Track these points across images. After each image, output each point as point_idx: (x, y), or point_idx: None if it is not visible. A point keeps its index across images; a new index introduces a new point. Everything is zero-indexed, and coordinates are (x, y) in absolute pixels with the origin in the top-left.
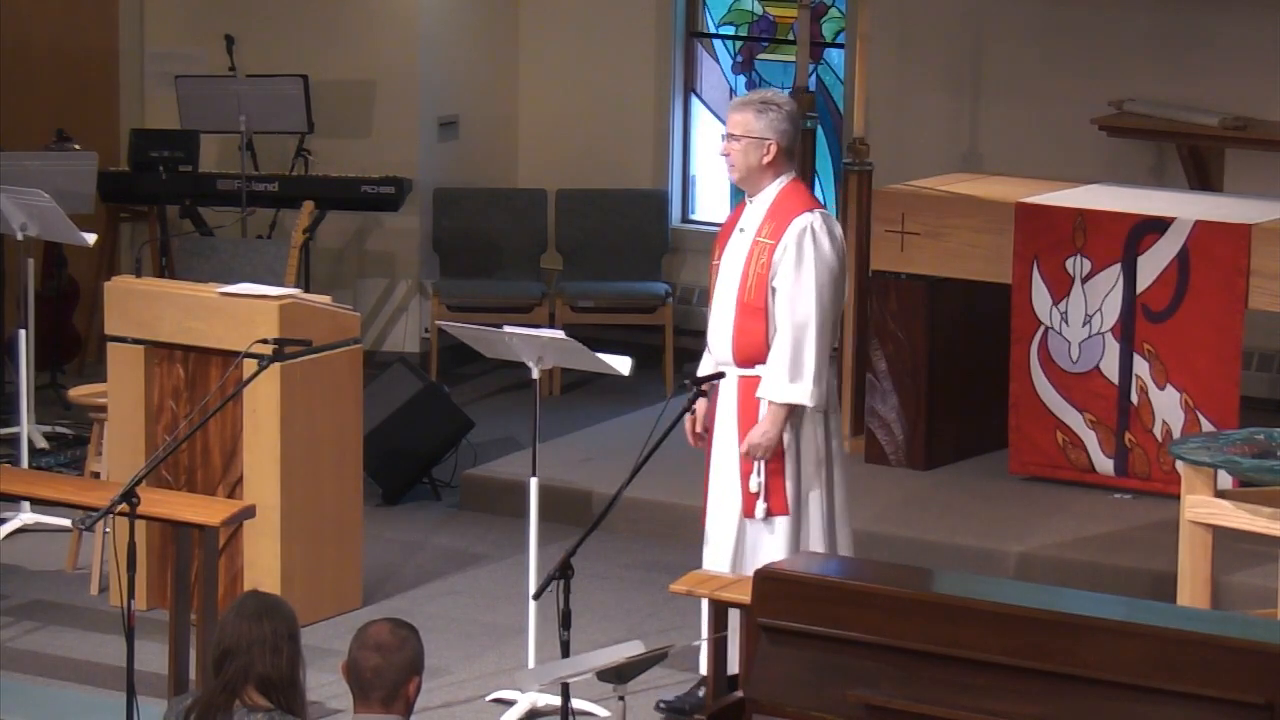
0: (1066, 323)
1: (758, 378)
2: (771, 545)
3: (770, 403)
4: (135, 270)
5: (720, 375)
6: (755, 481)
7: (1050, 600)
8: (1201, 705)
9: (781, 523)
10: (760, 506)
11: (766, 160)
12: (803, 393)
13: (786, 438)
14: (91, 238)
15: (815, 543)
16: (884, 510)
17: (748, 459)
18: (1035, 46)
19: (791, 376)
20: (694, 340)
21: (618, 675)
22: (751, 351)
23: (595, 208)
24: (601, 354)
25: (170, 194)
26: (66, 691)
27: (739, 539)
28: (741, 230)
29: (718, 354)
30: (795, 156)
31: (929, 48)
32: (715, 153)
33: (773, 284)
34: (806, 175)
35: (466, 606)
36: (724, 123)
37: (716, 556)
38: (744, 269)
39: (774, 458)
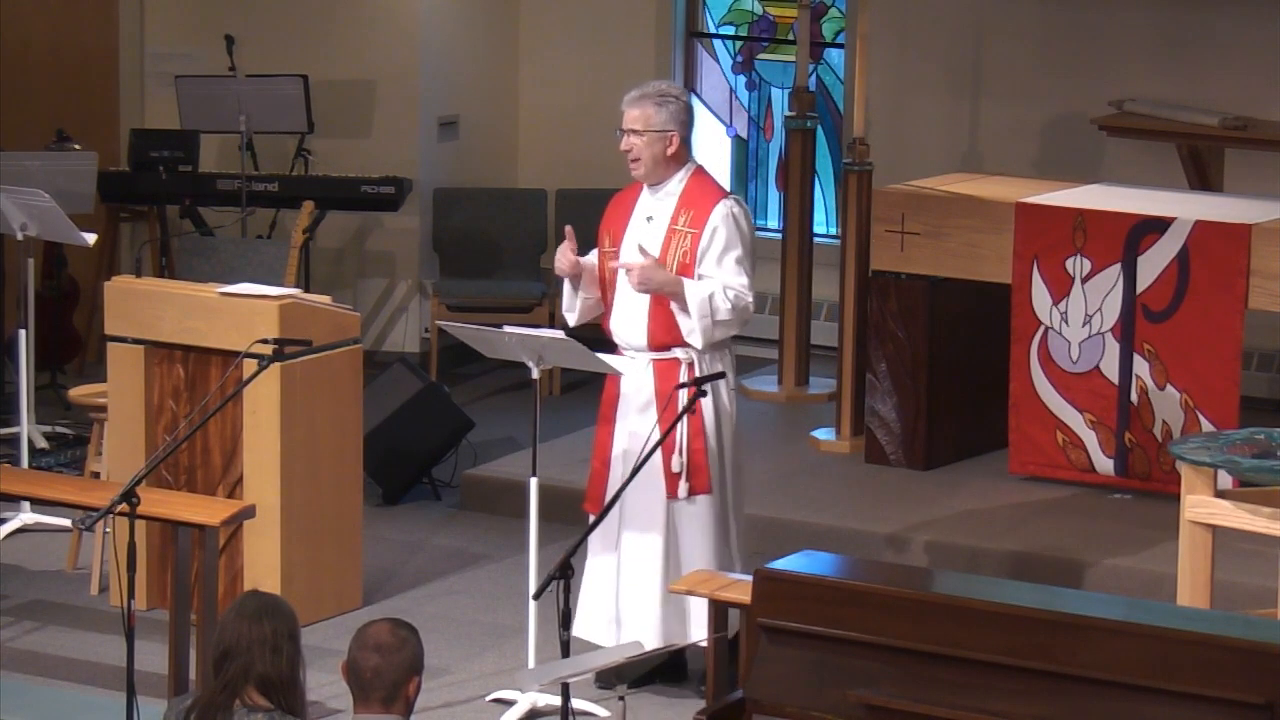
0: (1066, 323)
1: (675, 360)
2: (698, 524)
3: (684, 296)
4: (135, 270)
5: (720, 375)
6: (677, 461)
7: (1050, 600)
8: (1201, 705)
9: (705, 501)
10: (683, 486)
11: (670, 152)
12: (700, 338)
13: (709, 417)
14: (91, 238)
15: (733, 521)
16: (884, 510)
17: (636, 281)
18: (1035, 46)
19: (710, 329)
20: None
21: (618, 675)
22: (668, 337)
23: (595, 208)
24: (601, 354)
25: (170, 194)
26: (66, 691)
27: (668, 521)
28: (650, 219)
29: (626, 340)
30: (691, 145)
31: (929, 48)
32: (617, 149)
33: (699, 271)
34: (807, 175)
35: (466, 606)
36: (721, 120)
37: (643, 541)
38: (661, 256)
39: (695, 436)
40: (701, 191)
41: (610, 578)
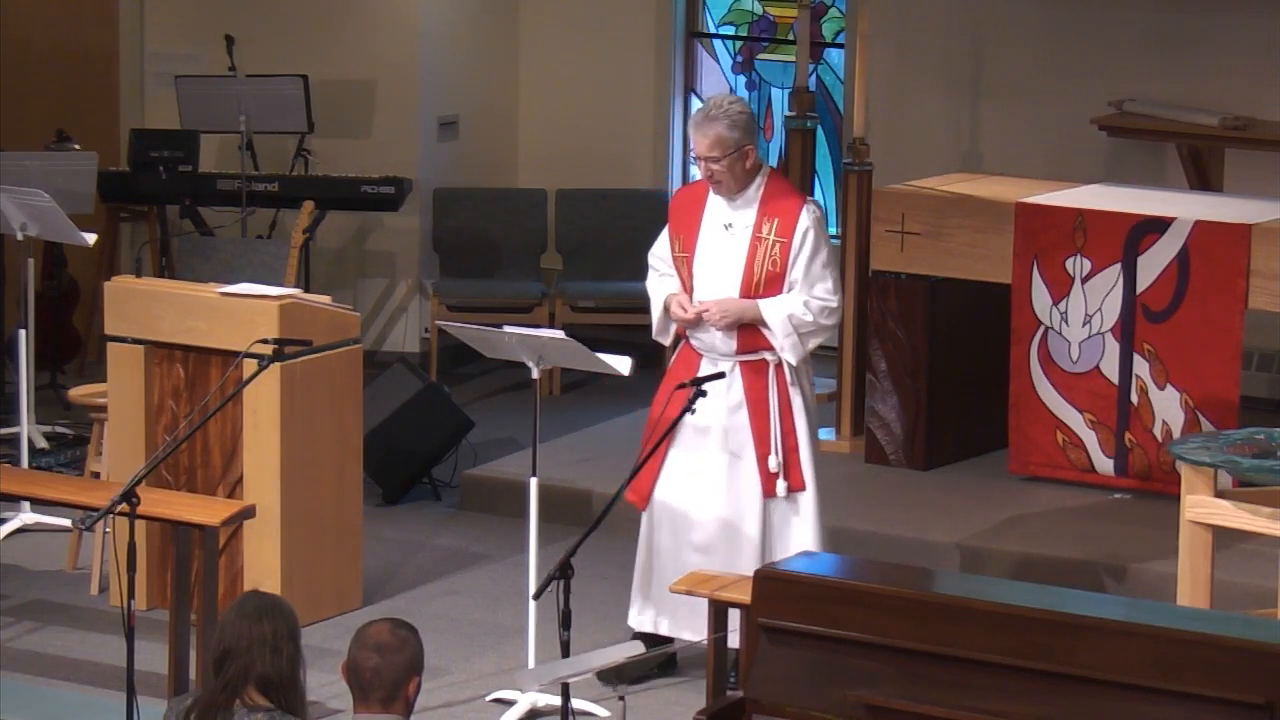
0: (1066, 323)
1: (764, 361)
2: (799, 521)
3: (765, 321)
4: (135, 270)
5: (721, 375)
6: (774, 461)
7: (1050, 600)
8: (1201, 705)
9: (803, 498)
10: (781, 485)
11: (749, 164)
12: (793, 354)
13: (800, 417)
14: (91, 238)
15: (824, 514)
16: (884, 510)
17: (717, 323)
18: (1035, 46)
19: (798, 344)
20: None
21: (618, 675)
22: (757, 341)
23: (595, 208)
24: (601, 354)
25: (170, 194)
26: (66, 691)
27: (764, 520)
28: (728, 227)
29: (712, 346)
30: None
31: (929, 48)
32: (702, 177)
33: (790, 278)
34: (807, 175)
35: (466, 606)
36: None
37: (739, 540)
38: (747, 267)
39: (789, 435)
40: (782, 197)
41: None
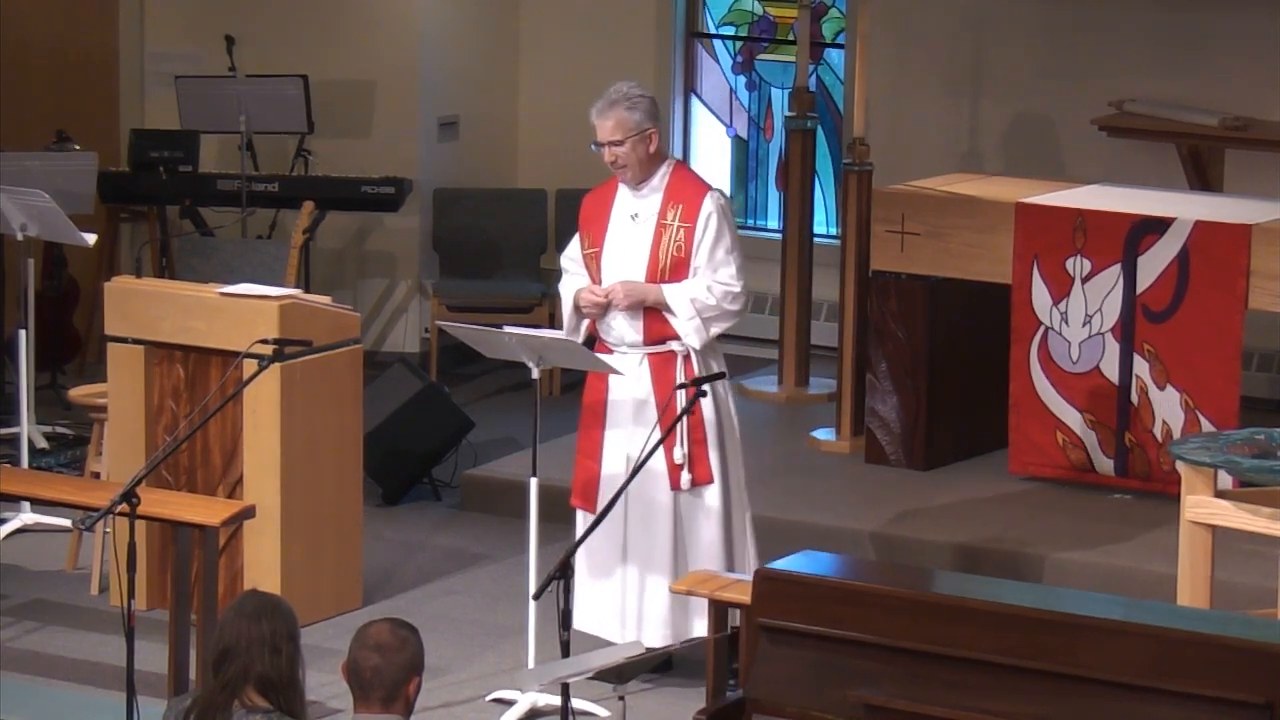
0: (1066, 323)
1: (671, 353)
2: (704, 515)
3: (667, 303)
4: (135, 270)
5: (721, 375)
6: (679, 453)
7: (1050, 600)
8: (1201, 705)
9: (709, 491)
10: (685, 477)
11: (652, 149)
12: (696, 338)
13: (708, 409)
14: (91, 238)
15: (739, 508)
16: (884, 510)
17: (620, 302)
18: (1035, 46)
19: (701, 328)
20: None
21: (618, 675)
22: (665, 331)
23: None
24: (601, 354)
25: (170, 194)
26: (66, 691)
27: (675, 514)
28: (634, 217)
29: (620, 337)
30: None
31: (929, 48)
32: (605, 164)
33: (694, 263)
34: (807, 175)
35: (466, 606)
36: (721, 120)
37: (651, 536)
38: (652, 253)
39: (695, 427)
40: (687, 185)
41: (617, 573)
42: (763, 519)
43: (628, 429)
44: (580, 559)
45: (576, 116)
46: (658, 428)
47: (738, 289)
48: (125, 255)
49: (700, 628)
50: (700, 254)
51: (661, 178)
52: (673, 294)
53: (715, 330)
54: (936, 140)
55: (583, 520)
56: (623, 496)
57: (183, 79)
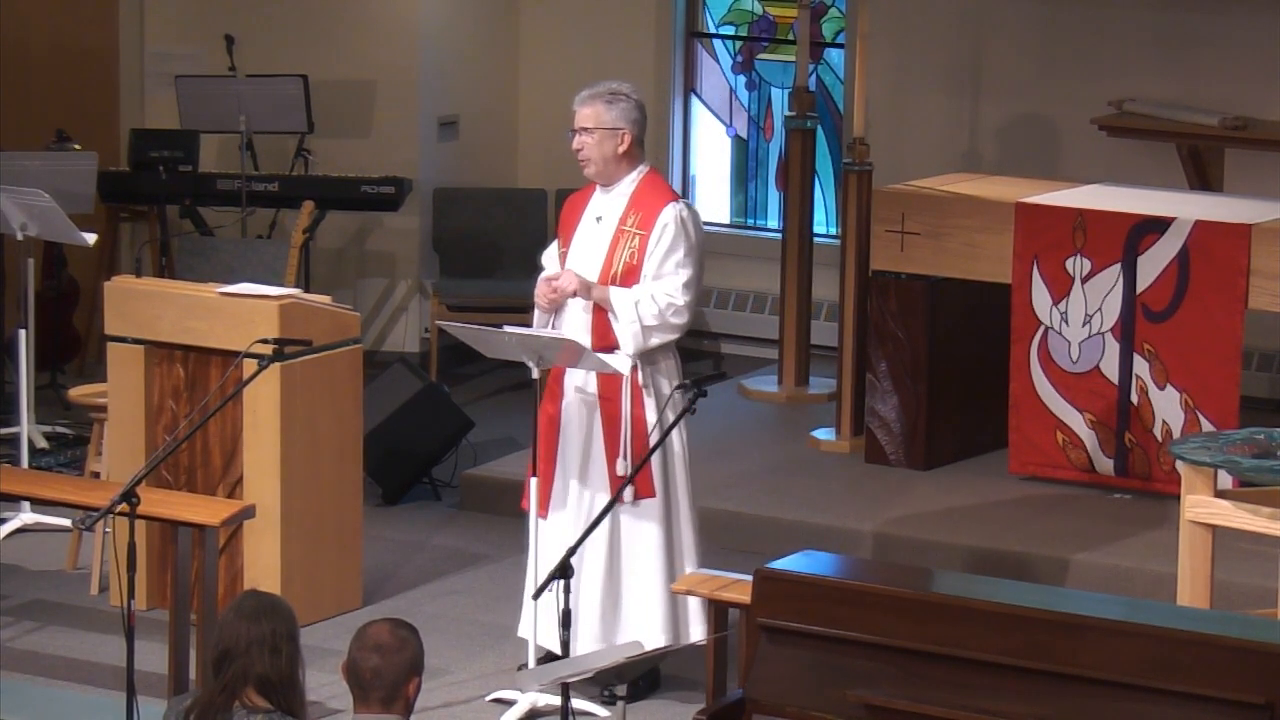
0: (1066, 323)
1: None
2: (640, 529)
3: (610, 303)
4: (135, 270)
5: (722, 375)
6: (621, 465)
7: (1050, 600)
8: (1201, 705)
9: (649, 505)
10: (628, 491)
11: (621, 150)
12: (631, 343)
13: (650, 421)
14: (91, 238)
15: (685, 523)
16: (884, 510)
17: (563, 286)
18: (1035, 46)
19: (639, 334)
20: (693, 340)
21: (618, 675)
22: (610, 340)
23: None
24: (601, 354)
25: (170, 194)
26: (66, 691)
27: (613, 524)
28: (599, 219)
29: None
30: (644, 146)
31: (929, 48)
32: (570, 148)
33: (645, 271)
34: (807, 175)
35: (466, 606)
36: (721, 120)
37: (592, 545)
38: (608, 257)
39: (639, 438)
40: (652, 193)
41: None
42: (763, 519)
43: (577, 436)
44: (530, 570)
45: None
46: (600, 431)
47: (681, 303)
48: (125, 255)
49: (652, 638)
50: (650, 262)
51: (630, 183)
52: (618, 295)
53: (654, 341)
54: (936, 140)
55: (534, 525)
56: (571, 503)
57: (183, 79)
